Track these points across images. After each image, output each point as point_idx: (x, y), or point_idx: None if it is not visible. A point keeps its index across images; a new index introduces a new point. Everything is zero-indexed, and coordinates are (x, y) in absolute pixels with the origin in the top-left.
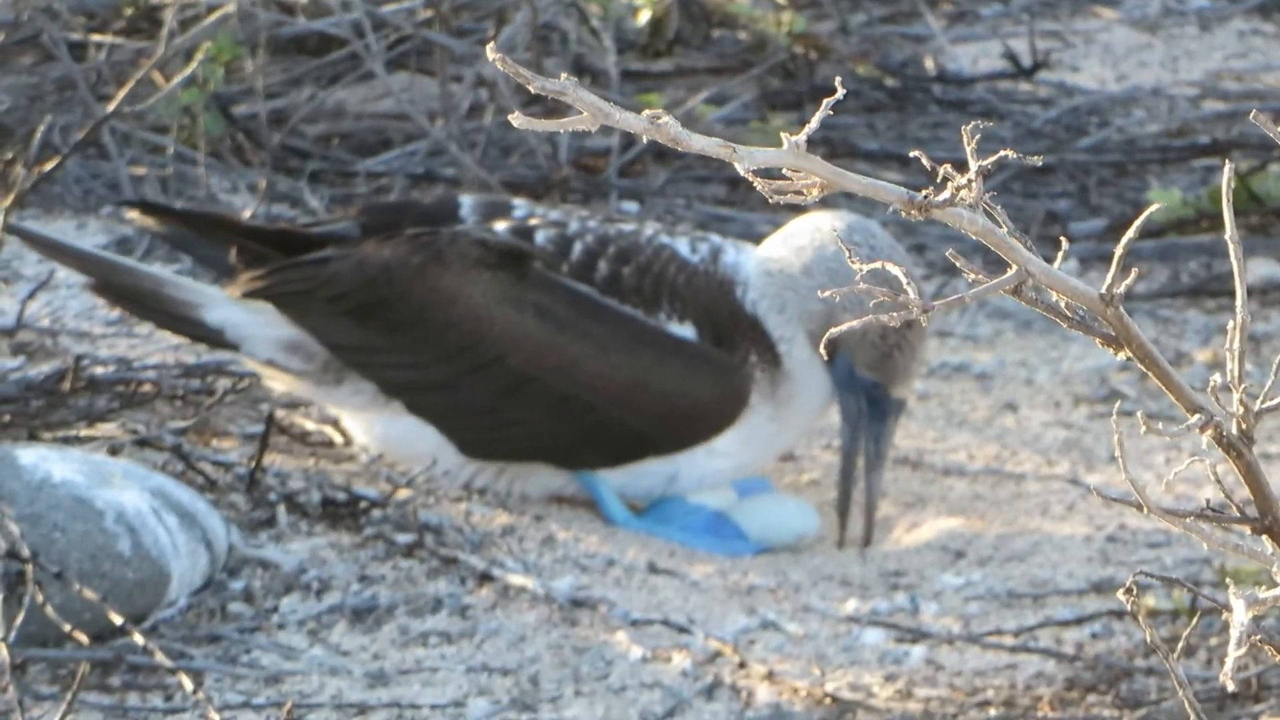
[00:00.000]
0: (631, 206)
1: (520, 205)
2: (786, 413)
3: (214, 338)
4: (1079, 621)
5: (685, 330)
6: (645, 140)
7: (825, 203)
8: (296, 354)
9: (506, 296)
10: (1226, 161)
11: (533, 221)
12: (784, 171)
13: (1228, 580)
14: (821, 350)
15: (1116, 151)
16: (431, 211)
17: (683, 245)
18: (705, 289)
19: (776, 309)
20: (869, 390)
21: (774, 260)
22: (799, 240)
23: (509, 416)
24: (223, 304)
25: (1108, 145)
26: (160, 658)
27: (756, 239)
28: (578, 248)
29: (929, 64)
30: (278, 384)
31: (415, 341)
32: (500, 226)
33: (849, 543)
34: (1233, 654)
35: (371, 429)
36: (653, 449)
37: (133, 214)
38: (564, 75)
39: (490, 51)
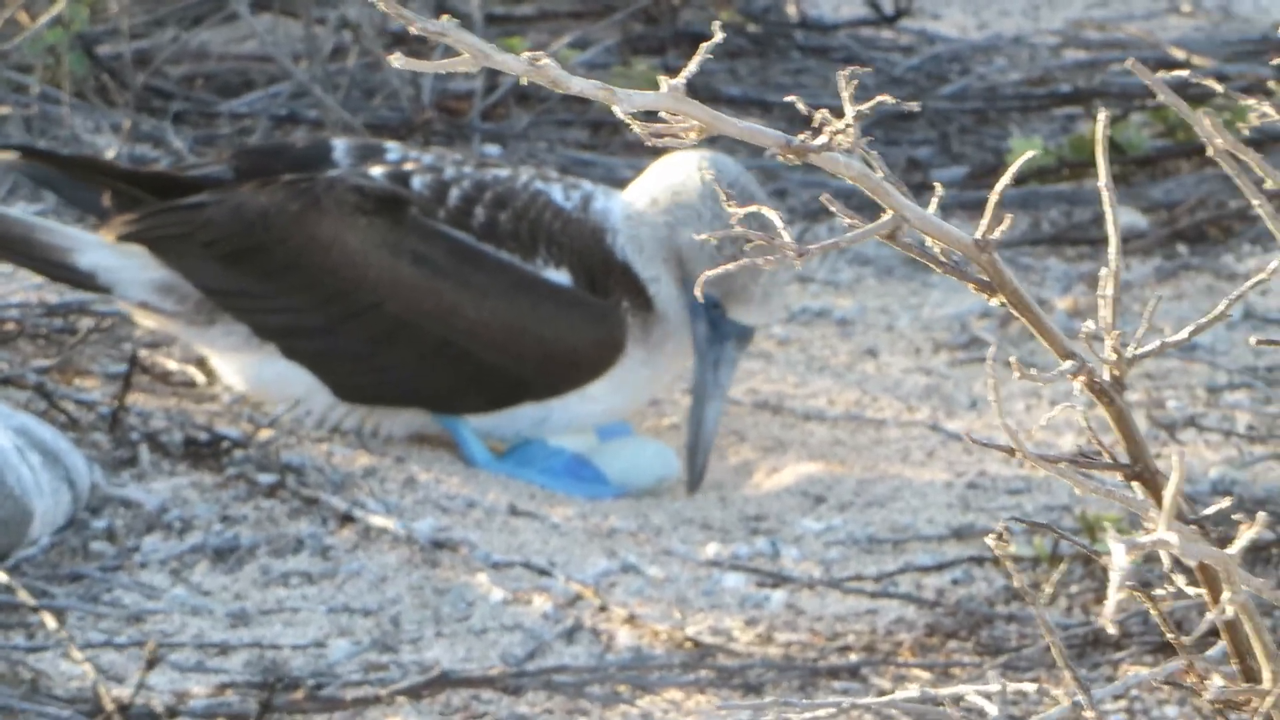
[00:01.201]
0: (494, 149)
1: (393, 149)
2: (659, 356)
3: (86, 281)
4: (939, 567)
5: (561, 276)
6: (520, 83)
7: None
8: (170, 296)
9: (383, 243)
10: (1100, 111)
11: (408, 166)
12: (661, 115)
13: (1092, 528)
14: (691, 290)
15: (978, 99)
16: (304, 155)
17: (557, 192)
18: (579, 235)
19: (641, 252)
20: (709, 313)
21: (635, 203)
22: (657, 181)
23: (385, 362)
24: (94, 247)
25: (969, 93)
26: (23, 596)
27: (619, 183)
28: (454, 193)
29: (791, 10)
30: (150, 324)
31: (291, 287)
32: (376, 171)
33: (693, 489)
34: (1112, 597)
35: (243, 371)
36: (529, 394)
37: (4, 155)
38: (444, 17)
39: None
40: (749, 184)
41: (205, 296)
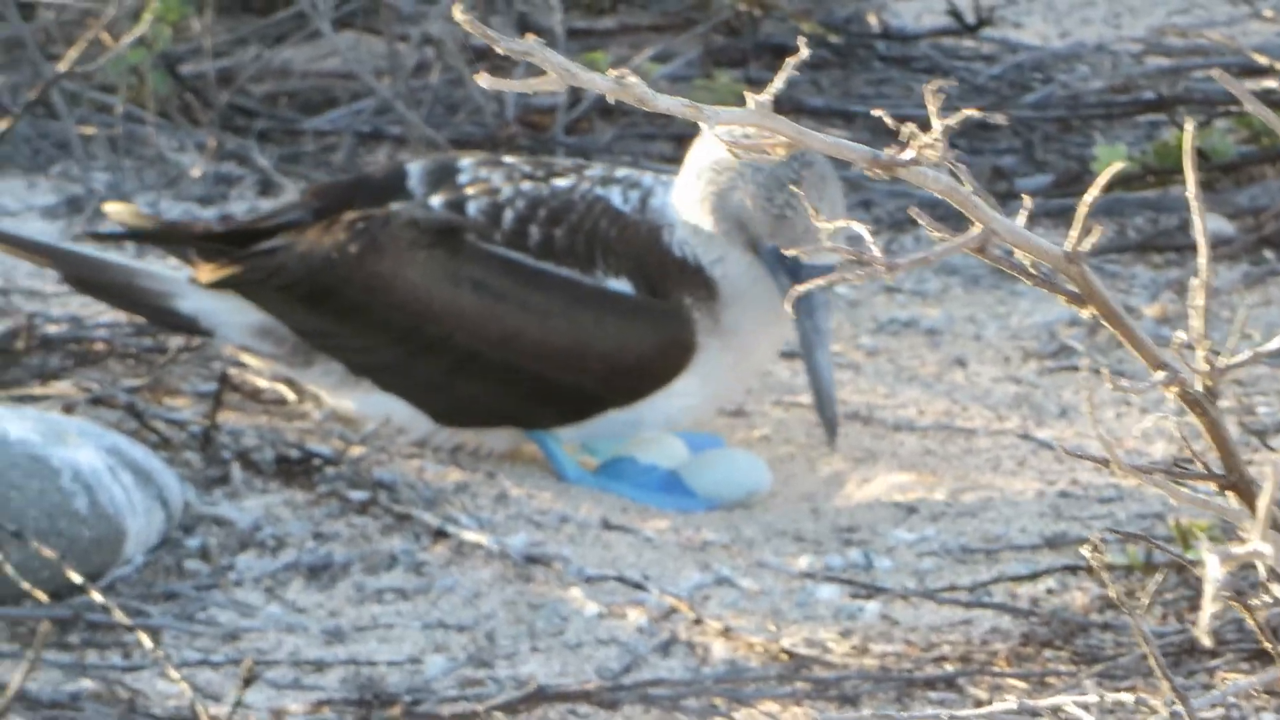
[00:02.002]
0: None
1: (466, 168)
2: (738, 339)
3: (188, 326)
4: (1033, 577)
5: (621, 285)
6: (609, 99)
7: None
8: (267, 339)
9: (443, 275)
10: (1187, 121)
11: (469, 191)
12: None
13: (1185, 536)
14: (764, 253)
15: (1061, 107)
16: (380, 186)
17: (615, 195)
18: (636, 239)
19: (700, 235)
20: (787, 264)
21: (686, 190)
22: (699, 158)
23: (465, 390)
24: (195, 292)
25: (1052, 101)
26: (118, 615)
27: None
28: (509, 215)
29: (873, 20)
30: (257, 365)
31: (366, 327)
32: (436, 201)
33: (832, 440)
34: (1207, 608)
35: (348, 405)
36: (609, 404)
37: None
38: (529, 36)
39: (456, 11)
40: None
41: (297, 337)
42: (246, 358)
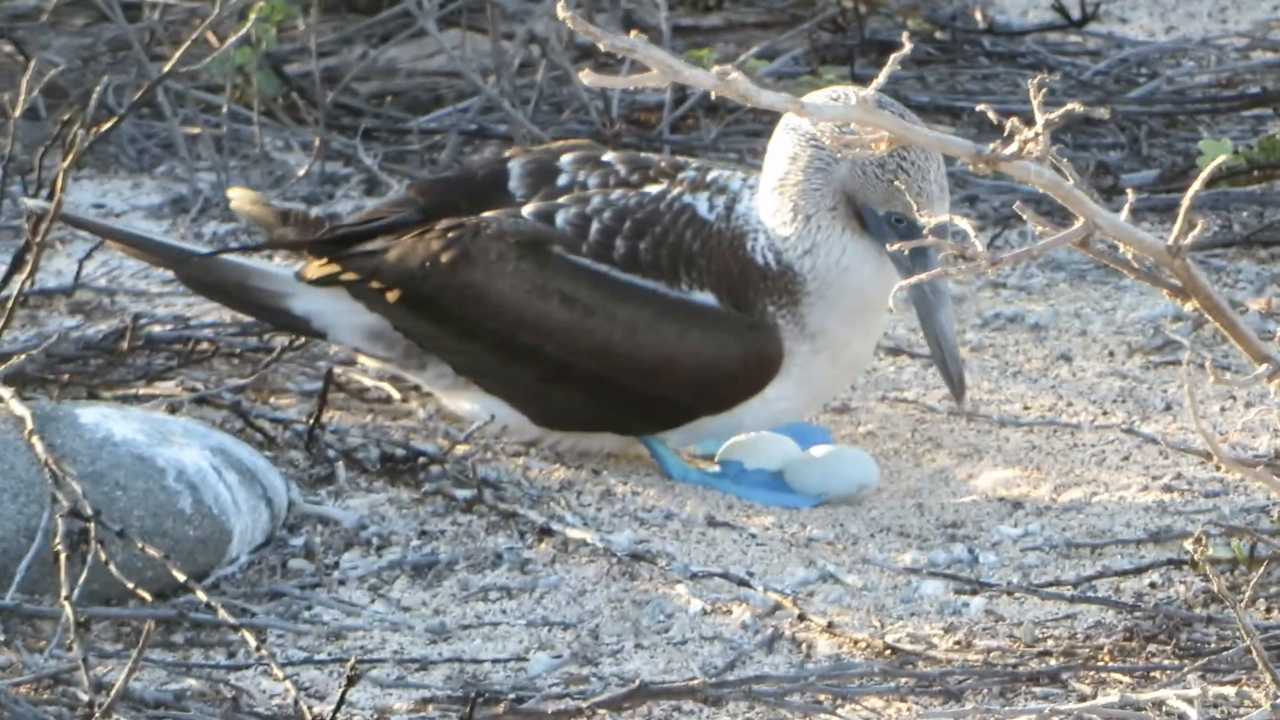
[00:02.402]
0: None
1: (565, 168)
2: (827, 338)
3: (301, 326)
4: (1138, 571)
5: (706, 298)
6: (709, 95)
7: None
8: (379, 342)
9: (532, 287)
10: None
11: (561, 200)
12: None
13: None
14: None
15: (1166, 102)
16: (484, 184)
17: (702, 203)
18: (719, 251)
19: (786, 227)
20: (900, 230)
21: (764, 187)
22: (791, 142)
23: (560, 397)
24: (308, 293)
25: (1157, 96)
26: (223, 614)
27: None
28: (595, 227)
29: (978, 16)
30: (371, 365)
31: (463, 333)
32: (528, 210)
33: (961, 399)
34: None
35: (464, 405)
36: (701, 413)
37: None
38: (634, 33)
39: (560, 10)
40: (884, 99)
41: (404, 337)
42: (361, 358)
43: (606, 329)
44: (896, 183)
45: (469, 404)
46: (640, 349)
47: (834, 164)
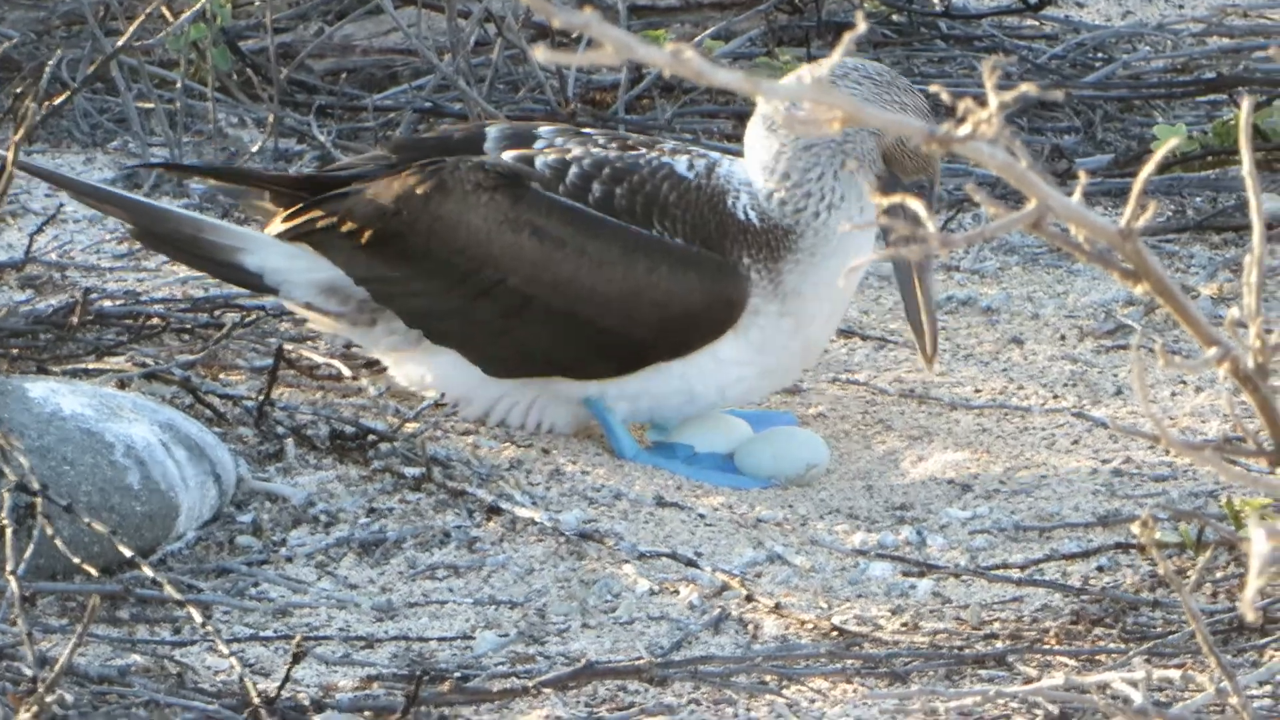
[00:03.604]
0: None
1: (545, 134)
2: (798, 304)
3: (254, 282)
4: (1085, 555)
5: (677, 242)
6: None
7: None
8: (333, 296)
9: (504, 219)
10: (1244, 98)
11: (541, 148)
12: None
13: (1237, 514)
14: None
15: (1122, 87)
16: (460, 145)
17: (681, 163)
18: (695, 204)
19: (792, 191)
20: (905, 185)
21: (760, 149)
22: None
23: (518, 335)
24: (261, 248)
25: (1113, 81)
26: (169, 590)
27: None
28: (574, 170)
29: None
30: (319, 327)
31: (427, 271)
32: (508, 155)
33: (929, 358)
34: (1253, 583)
35: (408, 369)
36: (657, 355)
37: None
38: (588, 8)
39: None
40: (894, 74)
41: (358, 286)
42: (310, 318)
43: (574, 262)
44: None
45: (415, 365)
46: (606, 282)
47: (822, 146)
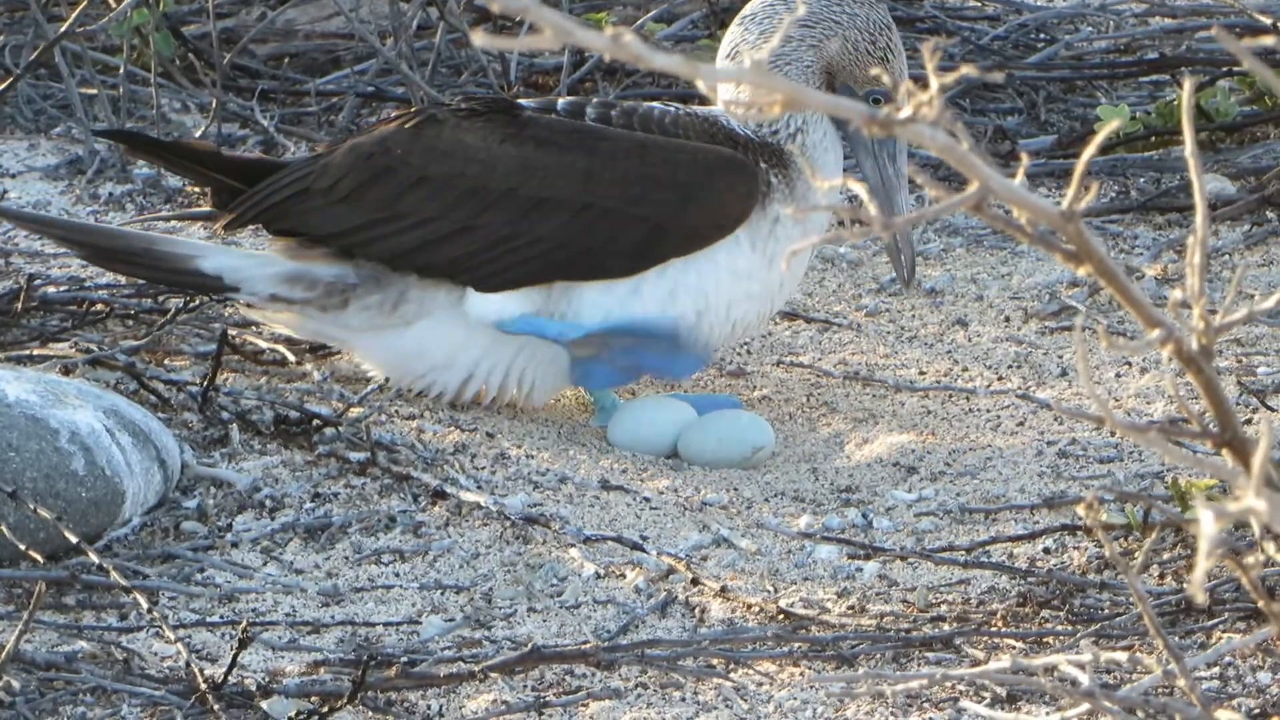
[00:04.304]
0: None
1: None
2: (809, 216)
3: (213, 285)
4: (1031, 537)
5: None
6: (605, 58)
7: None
8: (298, 284)
9: (505, 136)
10: (1187, 79)
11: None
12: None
13: (1183, 496)
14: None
15: (1064, 68)
16: None
17: (658, 107)
18: (694, 124)
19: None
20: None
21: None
22: (761, 27)
23: (527, 239)
24: (217, 251)
25: (1056, 62)
26: (115, 576)
27: None
28: (561, 104)
29: None
30: (282, 325)
31: (422, 201)
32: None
33: (906, 281)
34: (1201, 565)
35: (378, 348)
36: (671, 248)
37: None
38: None
39: None
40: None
41: (332, 243)
42: (274, 312)
43: (588, 158)
44: (888, 62)
45: (390, 339)
46: (625, 169)
47: (825, 40)
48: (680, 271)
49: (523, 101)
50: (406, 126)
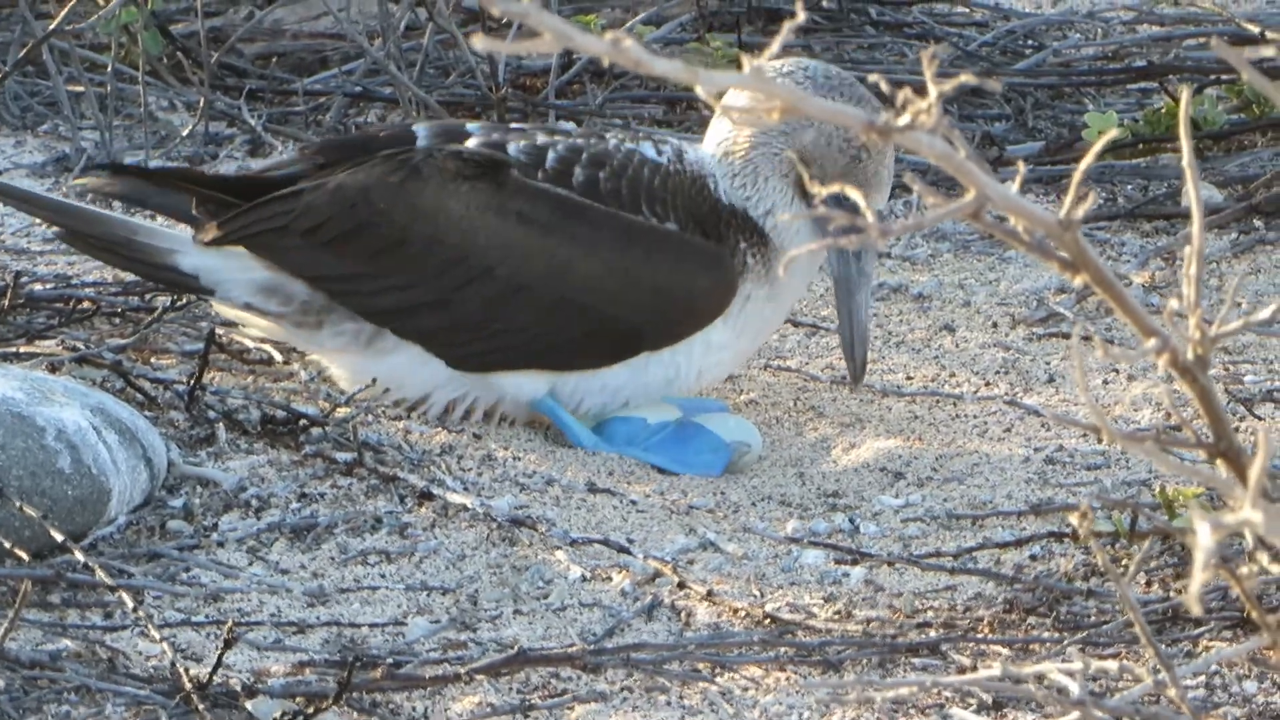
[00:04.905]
0: (569, 126)
1: (476, 132)
2: (785, 290)
3: (189, 283)
4: (1018, 543)
5: (670, 226)
6: (606, 62)
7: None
8: (274, 297)
9: (488, 206)
10: (1183, 90)
11: (500, 137)
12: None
13: (1170, 503)
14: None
15: (1052, 74)
16: (387, 144)
17: (648, 149)
18: (681, 188)
19: (750, 186)
20: (846, 206)
21: (726, 141)
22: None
23: (502, 326)
24: (196, 250)
25: (1043, 68)
26: (100, 575)
27: None
28: (551, 155)
29: None
30: (257, 328)
31: (401, 263)
32: (471, 143)
33: (856, 378)
34: (1197, 578)
35: (354, 371)
36: (648, 344)
37: (86, 180)
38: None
39: None
40: (843, 75)
41: (313, 287)
42: (248, 319)
43: (567, 247)
44: (860, 162)
45: (364, 365)
46: (602, 267)
47: (800, 129)
48: (655, 356)
49: (511, 147)
50: (391, 180)
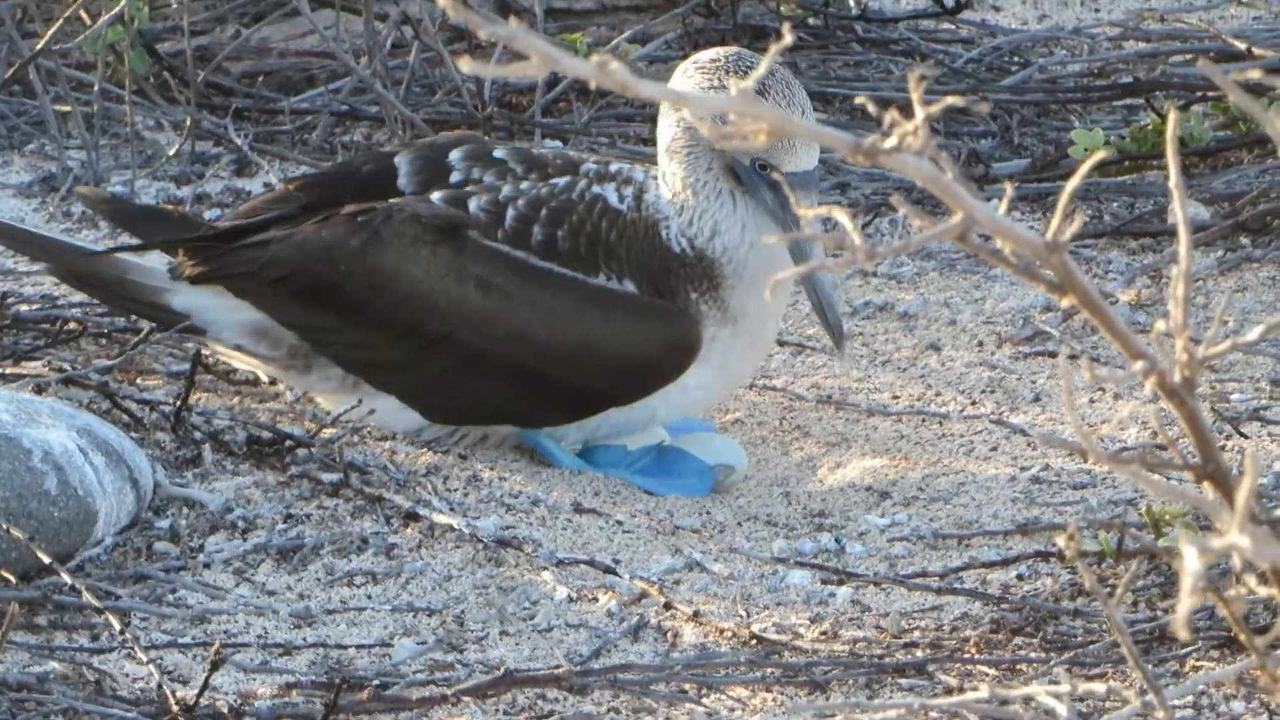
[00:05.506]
0: (555, 145)
1: (457, 167)
2: (749, 321)
3: (180, 322)
4: (1005, 563)
5: (626, 287)
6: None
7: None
8: (263, 339)
9: (447, 272)
10: (1171, 109)
11: (468, 188)
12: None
13: (1156, 523)
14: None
15: (1038, 91)
16: (370, 180)
17: (611, 193)
18: (635, 241)
19: (695, 215)
20: (767, 177)
21: (663, 169)
22: (660, 126)
23: (466, 389)
24: (187, 289)
25: (1029, 85)
26: (87, 597)
27: None
28: (510, 214)
29: (851, 2)
30: (249, 369)
31: (365, 324)
32: (436, 195)
33: (840, 346)
34: (1185, 602)
35: (344, 408)
36: (613, 402)
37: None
38: (512, 19)
39: None
40: (746, 54)
41: (290, 331)
42: (239, 359)
43: (527, 314)
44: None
45: (354, 402)
46: (561, 335)
47: (709, 154)
48: (626, 409)
49: (472, 203)
50: (352, 243)
